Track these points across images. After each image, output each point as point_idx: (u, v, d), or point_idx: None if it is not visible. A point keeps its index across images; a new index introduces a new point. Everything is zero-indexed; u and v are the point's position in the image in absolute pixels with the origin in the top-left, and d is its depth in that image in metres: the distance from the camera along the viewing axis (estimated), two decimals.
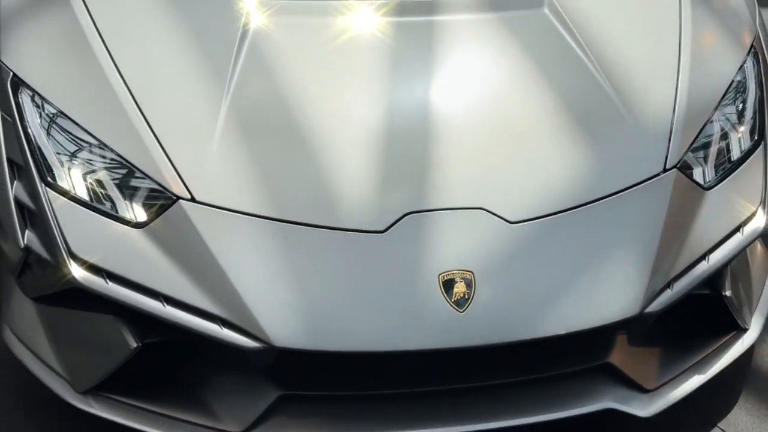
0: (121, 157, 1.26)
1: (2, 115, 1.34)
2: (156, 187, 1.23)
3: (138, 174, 1.25)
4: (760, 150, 1.48)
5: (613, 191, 1.27)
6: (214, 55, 1.42)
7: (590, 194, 1.26)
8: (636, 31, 1.60)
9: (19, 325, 1.39)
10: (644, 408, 1.27)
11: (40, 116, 1.34)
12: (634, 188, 1.29)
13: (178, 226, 1.19)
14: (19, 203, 1.27)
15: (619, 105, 1.40)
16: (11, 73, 1.36)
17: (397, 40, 1.47)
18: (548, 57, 1.49)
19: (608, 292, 1.20)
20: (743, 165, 1.43)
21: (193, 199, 1.20)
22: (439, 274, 1.13)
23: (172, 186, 1.21)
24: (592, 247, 1.25)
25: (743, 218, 1.37)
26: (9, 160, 1.30)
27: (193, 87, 1.39)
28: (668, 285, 1.23)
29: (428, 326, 1.13)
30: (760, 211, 1.40)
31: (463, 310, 1.11)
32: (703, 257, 1.28)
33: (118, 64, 1.36)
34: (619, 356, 1.28)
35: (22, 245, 1.24)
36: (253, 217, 1.19)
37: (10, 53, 1.41)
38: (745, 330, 1.41)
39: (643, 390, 1.28)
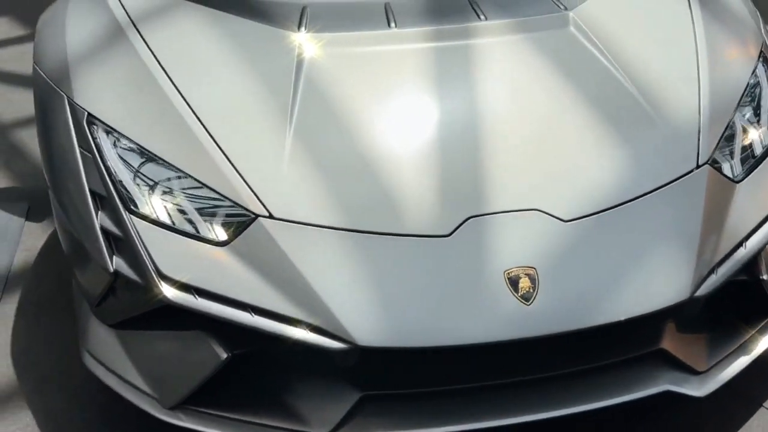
0: (198, 181, 1.37)
1: (82, 152, 1.45)
2: (234, 208, 1.33)
3: (216, 196, 1.35)
4: None
5: (654, 188, 1.39)
6: (274, 83, 1.55)
7: (634, 191, 1.37)
8: (655, 44, 1.74)
9: (99, 350, 1.46)
10: (699, 389, 1.35)
11: (117, 149, 1.45)
12: (673, 184, 1.40)
13: (260, 242, 1.29)
14: (105, 231, 1.36)
15: (650, 110, 1.52)
16: (86, 113, 1.49)
17: (439, 63, 1.61)
18: (579, 70, 1.62)
19: (660, 279, 1.30)
20: (767, 159, 1.55)
21: (271, 216, 1.30)
22: (505, 271, 1.23)
23: (250, 205, 1.31)
24: (641, 239, 1.35)
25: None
26: (92, 192, 1.40)
27: (258, 113, 1.51)
28: (712, 270, 1.33)
29: (499, 319, 1.22)
30: None
31: (530, 303, 1.20)
32: (740, 244, 1.39)
33: (185, 96, 1.49)
34: (670, 342, 1.37)
35: (111, 270, 1.32)
36: (329, 229, 1.28)
37: (82, 94, 1.54)
38: None
39: (695, 372, 1.37)
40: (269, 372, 1.35)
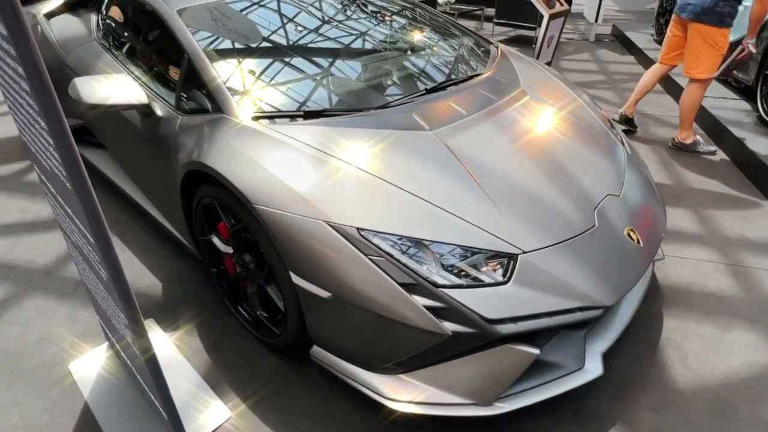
0: (462, 246, 1.80)
1: (371, 258, 1.72)
2: (486, 254, 1.80)
3: (476, 251, 1.80)
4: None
5: (624, 166, 2.46)
6: (445, 162, 2.07)
7: (622, 170, 2.42)
8: (555, 94, 2.88)
9: (402, 395, 1.83)
10: None
11: (395, 247, 1.75)
12: (627, 162, 2.51)
13: (528, 271, 1.80)
14: (426, 307, 1.69)
15: (591, 130, 2.63)
16: (354, 228, 1.75)
17: (500, 123, 2.43)
18: (549, 114, 2.62)
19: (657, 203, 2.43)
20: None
21: (524, 252, 1.84)
22: (624, 230, 2.10)
23: (505, 249, 1.82)
24: (640, 188, 2.41)
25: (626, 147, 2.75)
26: (401, 284, 1.70)
27: (457, 185, 1.99)
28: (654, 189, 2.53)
29: (636, 256, 2.06)
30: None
31: (642, 245, 2.11)
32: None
33: (404, 189, 1.91)
34: None
35: (449, 332, 1.68)
36: (553, 246, 1.90)
37: (338, 215, 1.78)
38: None
39: None
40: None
